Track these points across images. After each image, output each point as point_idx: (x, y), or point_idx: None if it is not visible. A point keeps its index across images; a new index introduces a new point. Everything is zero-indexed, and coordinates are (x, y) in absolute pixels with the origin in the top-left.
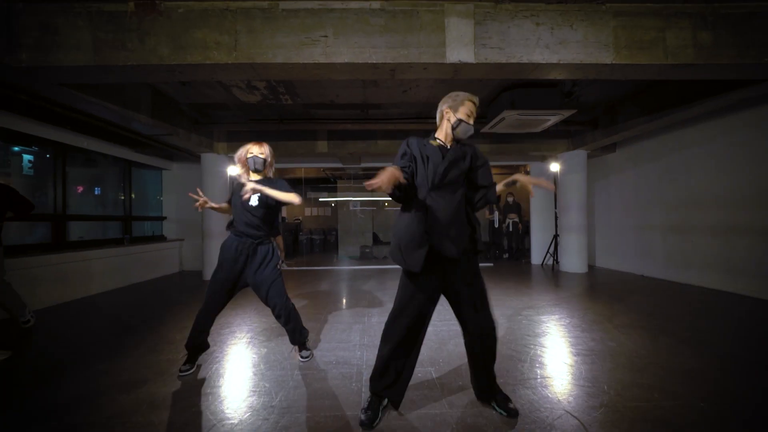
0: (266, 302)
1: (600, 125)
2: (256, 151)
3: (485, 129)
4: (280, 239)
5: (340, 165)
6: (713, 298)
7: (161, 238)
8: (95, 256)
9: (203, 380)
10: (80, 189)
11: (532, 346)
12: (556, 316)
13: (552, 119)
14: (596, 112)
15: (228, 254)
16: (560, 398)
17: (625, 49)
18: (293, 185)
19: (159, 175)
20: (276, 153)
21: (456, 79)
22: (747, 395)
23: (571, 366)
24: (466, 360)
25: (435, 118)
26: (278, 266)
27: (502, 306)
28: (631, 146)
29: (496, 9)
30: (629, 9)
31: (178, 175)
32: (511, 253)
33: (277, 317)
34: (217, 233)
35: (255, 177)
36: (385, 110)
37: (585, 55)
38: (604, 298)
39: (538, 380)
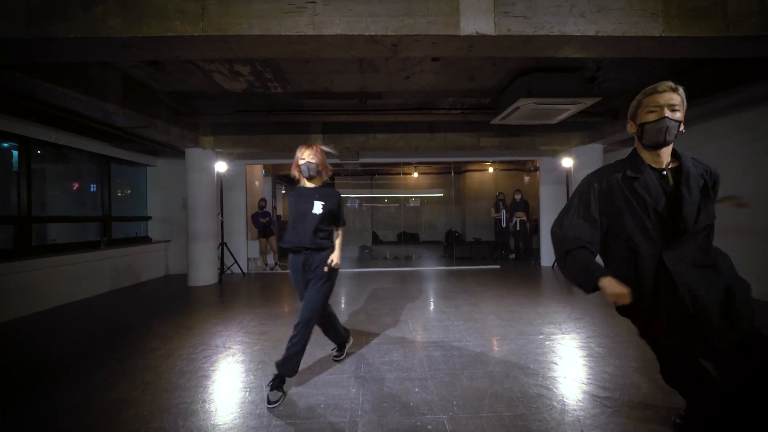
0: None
1: (622, 116)
2: (308, 155)
3: (495, 121)
4: (273, 240)
5: (337, 161)
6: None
7: (146, 240)
8: (67, 262)
9: (157, 431)
10: (50, 187)
11: (561, 379)
12: (583, 335)
13: (571, 109)
14: (617, 102)
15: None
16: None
17: (677, 18)
18: (288, 181)
19: (143, 172)
20: (267, 147)
21: (468, 58)
22: None
23: (612, 401)
24: (485, 400)
25: (438, 108)
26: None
27: (519, 321)
28: None
29: None
30: None
31: (164, 172)
32: (518, 253)
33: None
34: (203, 235)
35: (310, 184)
36: (384, 100)
37: (629, 26)
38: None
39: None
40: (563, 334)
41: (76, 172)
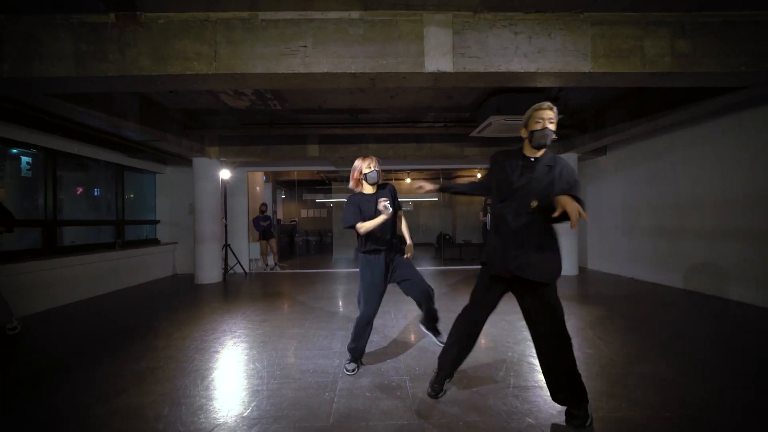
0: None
1: (588, 129)
2: (373, 165)
3: (474, 133)
4: (273, 242)
5: (333, 168)
6: (701, 302)
7: (155, 242)
8: (86, 261)
9: (180, 388)
10: (79, 190)
11: (509, 354)
12: None
13: None
14: (584, 116)
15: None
16: (528, 407)
17: (603, 58)
18: (287, 187)
19: (153, 179)
20: (268, 157)
21: (439, 86)
22: (718, 406)
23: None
24: (437, 366)
25: (423, 121)
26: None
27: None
28: (621, 149)
29: (475, 18)
30: (607, 18)
31: (172, 179)
32: None
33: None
34: (209, 237)
35: (371, 190)
36: (373, 115)
37: (563, 64)
38: (591, 302)
39: (510, 389)
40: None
41: (93, 180)
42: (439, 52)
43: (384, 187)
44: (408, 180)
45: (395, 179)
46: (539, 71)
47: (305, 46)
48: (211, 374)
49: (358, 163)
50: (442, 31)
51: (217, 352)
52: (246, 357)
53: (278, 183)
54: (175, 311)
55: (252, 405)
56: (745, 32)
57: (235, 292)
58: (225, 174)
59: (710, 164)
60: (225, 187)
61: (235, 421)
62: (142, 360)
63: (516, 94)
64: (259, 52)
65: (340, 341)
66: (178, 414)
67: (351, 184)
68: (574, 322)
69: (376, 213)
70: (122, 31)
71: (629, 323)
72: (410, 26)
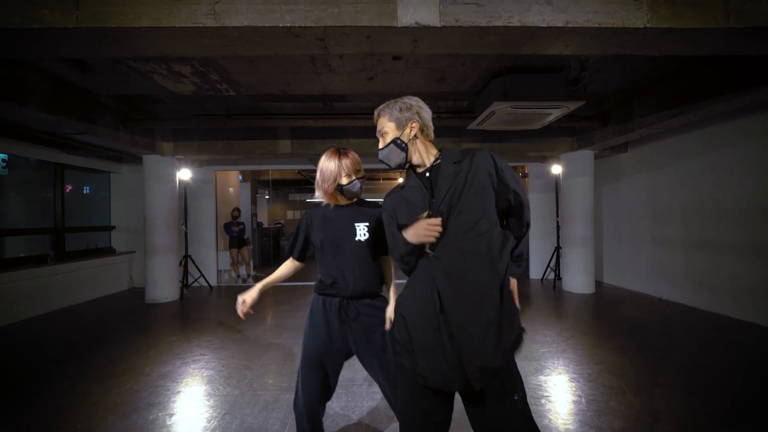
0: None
1: (612, 121)
2: (353, 173)
3: (472, 126)
4: (246, 251)
5: (313, 167)
6: (746, 332)
7: (108, 251)
8: (3, 281)
9: None
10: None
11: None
12: (559, 367)
13: (554, 113)
14: (607, 105)
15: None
16: None
17: (665, 6)
18: (266, 186)
19: (106, 180)
20: (232, 153)
21: (421, 54)
22: None
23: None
24: None
25: None
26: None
27: None
28: (646, 146)
29: None
30: None
31: (129, 179)
32: None
33: None
34: (162, 248)
35: (344, 201)
36: (352, 103)
37: (606, 15)
38: (619, 337)
39: None
40: (535, 364)
41: (24, 181)
42: None
43: (364, 205)
44: (400, 180)
45: (383, 179)
46: (569, 26)
47: None
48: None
49: (328, 164)
50: None
51: (147, 420)
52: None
53: (259, 183)
54: (103, 345)
55: None
56: None
57: (191, 313)
58: (185, 174)
59: (760, 165)
60: (185, 190)
61: None
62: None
63: (527, 74)
64: None
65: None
66: None
67: (318, 195)
68: (605, 379)
69: (348, 241)
70: None
71: (660, 361)
72: None
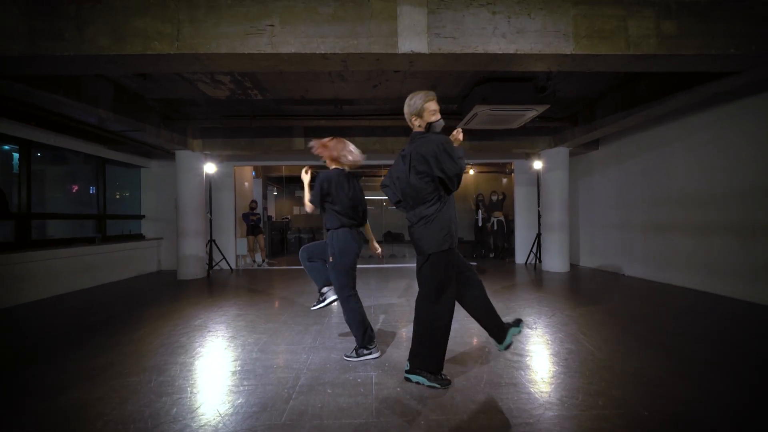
0: None
1: (579, 121)
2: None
3: (460, 126)
4: (261, 238)
5: (322, 163)
6: (691, 298)
7: (139, 237)
8: (62, 255)
9: (132, 385)
10: (59, 183)
11: (488, 349)
12: (527, 320)
13: (527, 115)
14: (575, 108)
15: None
16: (501, 404)
17: (585, 39)
18: (279, 183)
19: (137, 173)
20: (252, 150)
21: (416, 70)
22: (695, 402)
23: (519, 371)
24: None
25: None
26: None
27: None
28: (613, 143)
29: None
30: None
31: (157, 173)
32: (497, 252)
33: None
34: (192, 232)
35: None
36: (359, 106)
37: (543, 45)
38: (579, 299)
39: (482, 386)
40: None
41: (73, 173)
42: (413, 32)
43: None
44: None
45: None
46: (519, 52)
47: (272, 25)
48: (168, 370)
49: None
50: (416, 10)
51: (181, 347)
52: (209, 353)
53: (269, 179)
54: (149, 306)
55: (203, 403)
56: (733, 12)
57: (216, 287)
58: (210, 168)
59: (706, 156)
60: (210, 182)
61: (180, 419)
62: (100, 355)
63: (503, 83)
64: (224, 31)
65: (312, 336)
66: (121, 412)
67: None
68: (558, 317)
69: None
70: (79, 7)
71: (614, 319)
72: (382, 5)
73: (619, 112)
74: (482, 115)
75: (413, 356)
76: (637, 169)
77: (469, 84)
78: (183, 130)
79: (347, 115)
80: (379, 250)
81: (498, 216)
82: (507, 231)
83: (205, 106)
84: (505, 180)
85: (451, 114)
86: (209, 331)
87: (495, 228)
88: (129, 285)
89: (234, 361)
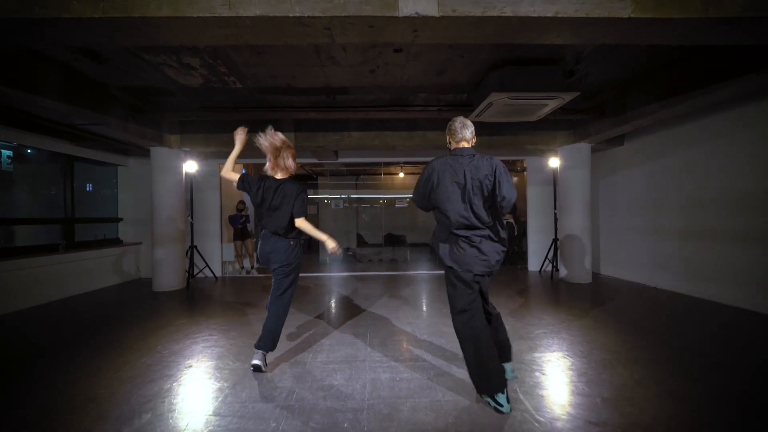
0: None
1: (607, 113)
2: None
3: (471, 117)
4: (250, 243)
5: (316, 160)
6: (735, 318)
7: (115, 242)
8: (18, 267)
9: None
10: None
11: (517, 403)
12: (555, 353)
13: (550, 104)
14: (603, 98)
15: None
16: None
17: None
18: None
19: (114, 172)
20: (233, 146)
21: (422, 45)
22: None
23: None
24: None
25: (413, 105)
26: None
27: None
28: (642, 138)
29: None
30: None
31: (137, 172)
32: (506, 257)
33: None
34: (169, 238)
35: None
36: (354, 96)
37: (592, 6)
38: (616, 324)
39: None
40: (532, 350)
41: (34, 173)
42: None
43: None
44: (401, 174)
45: (385, 174)
46: (558, 16)
47: None
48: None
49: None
50: None
51: (126, 391)
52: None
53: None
54: (100, 332)
55: None
56: None
57: (193, 301)
58: (191, 166)
59: (753, 155)
60: (191, 182)
61: None
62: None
63: (523, 66)
64: None
65: (289, 386)
66: None
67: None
68: (596, 355)
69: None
70: None
71: (646, 341)
72: None
73: (655, 102)
74: (498, 104)
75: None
76: (672, 168)
77: (482, 68)
78: (157, 125)
79: (341, 107)
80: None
81: (507, 218)
82: (518, 234)
83: (179, 95)
84: (515, 179)
85: (460, 105)
86: (151, 381)
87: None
88: (95, 298)
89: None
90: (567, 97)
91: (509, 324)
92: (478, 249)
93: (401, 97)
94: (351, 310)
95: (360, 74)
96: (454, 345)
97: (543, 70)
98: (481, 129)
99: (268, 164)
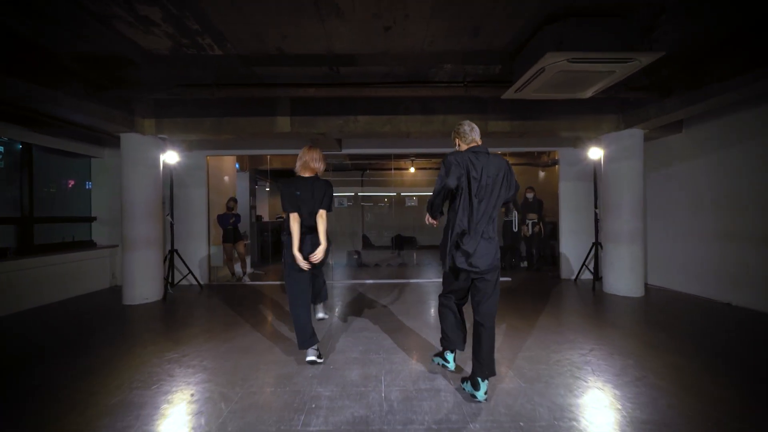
0: None
1: (674, 90)
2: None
3: (509, 93)
4: (242, 245)
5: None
6: None
7: (87, 245)
8: None
9: None
10: None
11: None
12: (598, 381)
13: (618, 72)
14: (668, 71)
15: None
16: None
17: None
18: (272, 178)
19: (86, 165)
20: (221, 133)
21: None
22: None
23: None
24: None
25: (433, 81)
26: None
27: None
28: (704, 125)
29: None
30: None
31: (113, 165)
32: (531, 261)
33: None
34: (143, 242)
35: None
36: (363, 67)
37: None
38: (695, 351)
39: None
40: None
41: None
42: None
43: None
44: (412, 170)
45: (395, 169)
46: None
47: None
48: None
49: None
50: None
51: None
52: None
53: (259, 173)
54: (36, 364)
55: None
56: None
57: (166, 320)
58: (171, 157)
59: None
60: (171, 175)
61: None
62: None
63: (589, 18)
64: None
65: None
66: None
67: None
68: (657, 372)
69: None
70: None
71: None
72: None
73: (743, 74)
74: (552, 71)
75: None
76: (748, 159)
77: (531, 23)
78: (127, 107)
79: (346, 83)
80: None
81: (533, 218)
82: (545, 237)
83: (146, 68)
84: (542, 173)
85: (491, 81)
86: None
87: (530, 232)
88: (49, 314)
89: None
90: (646, 59)
91: (548, 354)
92: (482, 246)
93: (420, 69)
94: (358, 335)
95: (371, 34)
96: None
97: (615, 24)
98: (513, 112)
99: (298, 164)
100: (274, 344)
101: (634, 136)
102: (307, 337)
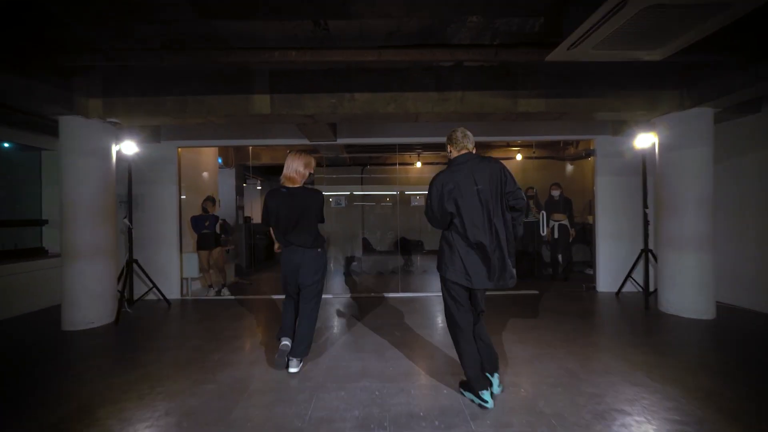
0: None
1: (762, 57)
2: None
3: (559, 50)
4: (219, 252)
5: (307, 142)
6: None
7: (36, 253)
8: None
9: None
10: None
11: None
12: None
13: (719, 17)
14: (752, 33)
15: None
16: None
17: None
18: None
19: (35, 159)
20: (184, 115)
21: None
22: None
23: None
24: None
25: (452, 44)
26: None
27: None
28: None
29: None
30: None
31: None
32: (556, 269)
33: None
34: (89, 251)
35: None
36: (361, 21)
37: None
38: None
39: None
40: None
41: None
42: None
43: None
44: (419, 164)
45: (400, 164)
46: None
47: None
48: None
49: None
50: None
51: None
52: None
53: (246, 169)
54: None
55: None
56: None
57: (109, 360)
58: (129, 148)
59: None
60: (130, 170)
61: None
62: None
63: None
64: None
65: None
66: None
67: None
68: None
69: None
70: None
71: None
72: None
73: None
74: (637, 7)
75: None
76: None
77: None
78: (65, 82)
79: (337, 44)
80: None
81: (560, 219)
82: (572, 240)
83: (73, 23)
84: (570, 167)
85: (528, 44)
86: None
87: (556, 236)
88: None
89: None
90: None
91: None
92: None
93: (435, 26)
94: (353, 387)
95: None
96: None
97: None
98: (549, 87)
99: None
100: (250, 396)
101: (702, 116)
102: (285, 330)
